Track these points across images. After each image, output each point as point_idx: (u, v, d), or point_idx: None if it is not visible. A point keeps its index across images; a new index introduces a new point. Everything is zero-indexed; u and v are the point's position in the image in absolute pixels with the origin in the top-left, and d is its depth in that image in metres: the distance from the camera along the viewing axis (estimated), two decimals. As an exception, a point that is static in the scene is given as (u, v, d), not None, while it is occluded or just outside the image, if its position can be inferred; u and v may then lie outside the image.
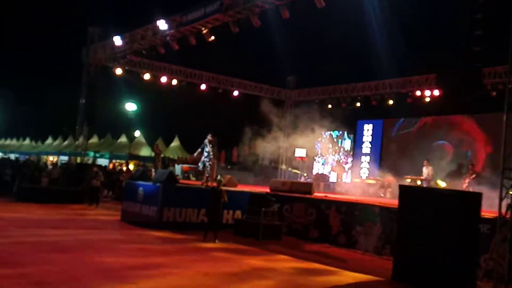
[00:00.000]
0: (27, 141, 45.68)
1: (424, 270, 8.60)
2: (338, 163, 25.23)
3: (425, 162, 18.62)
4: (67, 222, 13.73)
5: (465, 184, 16.66)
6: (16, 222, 12.70)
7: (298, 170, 23.54)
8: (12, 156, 38.40)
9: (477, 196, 9.16)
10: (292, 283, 8.30)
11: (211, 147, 16.08)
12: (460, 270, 8.41)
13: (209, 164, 16.13)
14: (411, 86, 21.58)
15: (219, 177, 13.32)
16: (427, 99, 21.17)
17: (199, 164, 16.38)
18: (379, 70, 23.12)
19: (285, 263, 10.09)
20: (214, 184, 12.56)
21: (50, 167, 24.28)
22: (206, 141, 16.12)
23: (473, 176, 16.72)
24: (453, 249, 8.42)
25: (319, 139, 28.08)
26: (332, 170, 24.96)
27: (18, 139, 47.07)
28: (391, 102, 22.67)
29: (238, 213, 14.44)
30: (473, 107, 19.91)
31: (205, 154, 16.11)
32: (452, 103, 20.38)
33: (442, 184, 18.06)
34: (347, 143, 26.77)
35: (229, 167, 25.43)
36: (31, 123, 50.88)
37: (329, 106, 25.57)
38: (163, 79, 23.45)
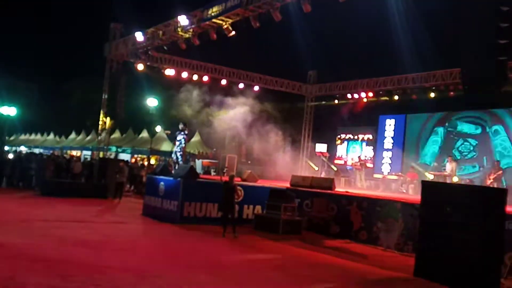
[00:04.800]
0: (51, 136, 46.48)
1: (447, 267, 8.47)
2: (359, 160, 24.98)
3: (449, 157, 18.36)
4: (90, 216, 13.91)
5: (489, 181, 16.39)
6: (40, 216, 12.92)
7: (317, 166, 23.43)
8: (37, 151, 39.12)
9: (503, 192, 8.97)
10: (313, 278, 8.26)
11: (183, 136, 16.03)
12: (484, 267, 8.26)
13: (181, 155, 16.11)
14: (435, 80, 21.23)
15: (226, 170, 13.36)
16: (452, 94, 20.81)
17: (172, 155, 16.32)
18: (402, 64, 22.81)
19: (305, 258, 10.05)
20: (227, 178, 12.60)
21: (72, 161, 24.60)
22: (180, 128, 16.07)
23: (499, 172, 16.42)
24: (477, 246, 8.25)
25: (339, 135, 27.91)
26: (353, 166, 24.74)
27: (42, 134, 47.94)
28: (414, 96, 22.36)
29: (258, 208, 14.43)
30: (499, 101, 19.48)
31: (177, 143, 16.07)
32: (476, 98, 19.97)
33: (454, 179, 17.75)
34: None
35: (249, 162, 25.46)
36: (55, 118, 51.75)
37: (351, 101, 25.35)
38: (184, 75, 23.57)
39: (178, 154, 15.96)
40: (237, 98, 21.86)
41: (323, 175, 22.68)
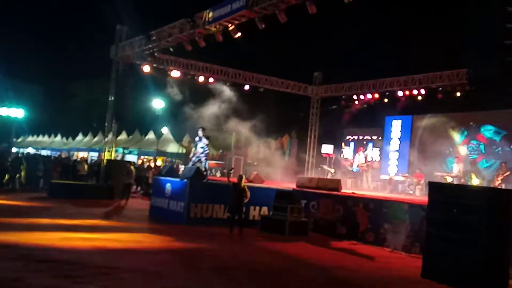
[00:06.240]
0: (58, 137, 46.74)
1: (454, 269, 8.41)
2: (366, 161, 24.91)
3: (456, 158, 18.29)
4: (97, 217, 13.97)
5: (497, 182, 16.30)
6: (47, 217, 12.99)
7: (325, 166, 23.37)
8: (44, 152, 39.34)
9: (510, 193, 8.92)
10: (319, 280, 8.24)
11: (206, 140, 15.92)
12: (491, 268, 8.21)
13: (205, 159, 16.00)
14: (441, 81, 21.12)
15: (232, 172, 13.33)
16: (458, 94, 20.70)
17: (193, 159, 16.23)
18: (408, 64, 22.75)
19: (311, 260, 10.03)
20: (235, 179, 12.61)
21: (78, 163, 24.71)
22: (200, 134, 15.93)
23: (507, 173, 16.32)
24: (485, 247, 8.20)
25: (346, 136, 27.85)
26: (359, 167, 24.67)
27: (49, 136, 48.21)
28: (420, 97, 22.25)
29: (265, 210, 14.43)
30: (505, 102, 19.38)
31: (200, 150, 15.93)
32: (483, 98, 19.89)
33: (475, 181, 17.68)
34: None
35: (255, 163, 25.45)
36: (62, 120, 52.05)
37: (356, 102, 25.27)
38: (190, 76, 23.59)
39: (203, 159, 15.92)
40: (244, 100, 21.90)
41: (329, 176, 22.64)
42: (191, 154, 16.48)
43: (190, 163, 16.30)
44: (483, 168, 19.97)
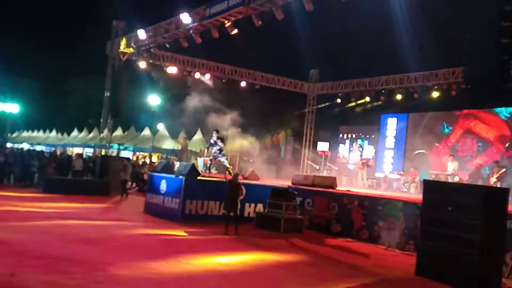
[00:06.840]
0: (53, 133, 46.56)
1: (448, 267, 8.46)
2: (361, 158, 24.94)
3: (451, 157, 18.33)
4: (92, 213, 13.94)
5: (493, 180, 16.36)
6: (43, 213, 12.95)
7: (319, 164, 23.44)
8: (39, 148, 39.18)
9: (504, 192, 8.97)
10: (315, 277, 8.27)
11: (221, 142, 16.11)
12: (485, 266, 8.25)
13: (225, 159, 16.25)
14: (437, 80, 21.16)
15: (228, 166, 13.45)
16: (454, 93, 20.74)
17: (210, 157, 16.47)
18: (404, 63, 22.77)
19: (306, 257, 10.05)
20: (230, 176, 12.63)
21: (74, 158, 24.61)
22: (215, 138, 16.10)
23: (502, 171, 16.38)
24: (479, 245, 8.24)
25: (341, 133, 27.88)
26: (355, 165, 24.71)
27: (44, 131, 48.02)
28: (416, 95, 22.29)
29: (260, 207, 14.46)
30: (501, 100, 19.44)
31: (217, 152, 16.10)
32: (479, 97, 19.93)
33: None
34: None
35: (251, 160, 25.43)
36: (57, 116, 51.83)
37: (352, 99, 25.30)
38: (186, 72, 23.56)
39: (223, 159, 16.17)
40: (240, 97, 21.86)
41: (324, 174, 22.68)
42: (209, 155, 16.68)
43: (208, 161, 16.44)
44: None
